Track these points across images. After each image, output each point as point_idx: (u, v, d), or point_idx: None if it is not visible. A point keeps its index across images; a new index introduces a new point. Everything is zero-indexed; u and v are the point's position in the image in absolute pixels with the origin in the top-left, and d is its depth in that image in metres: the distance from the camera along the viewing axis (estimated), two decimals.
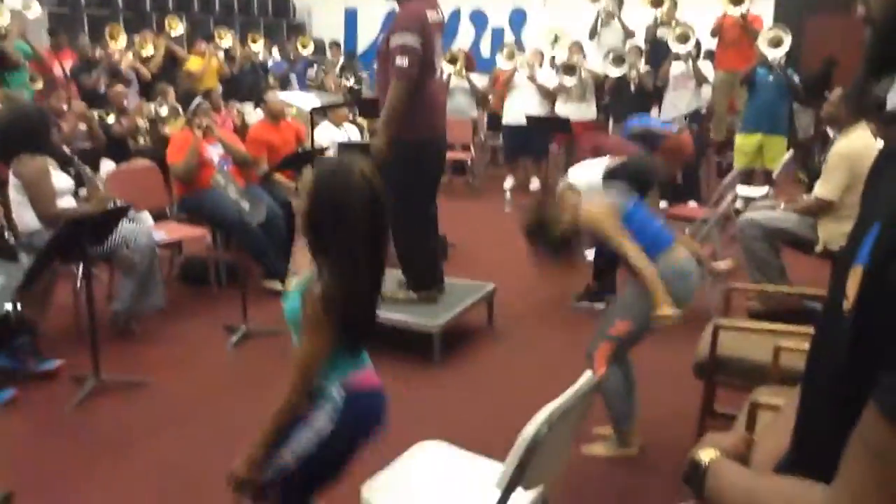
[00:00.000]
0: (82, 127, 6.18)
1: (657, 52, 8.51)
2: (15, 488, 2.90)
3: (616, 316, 3.07)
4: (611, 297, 4.75)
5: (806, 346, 1.10)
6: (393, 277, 4.57)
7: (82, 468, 3.13)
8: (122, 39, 8.58)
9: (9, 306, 3.85)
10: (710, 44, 8.45)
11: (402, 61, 4.03)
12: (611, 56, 7.95)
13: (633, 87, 8.03)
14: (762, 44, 6.87)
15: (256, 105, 6.93)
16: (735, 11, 7.67)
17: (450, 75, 8.65)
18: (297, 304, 1.99)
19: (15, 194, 4.17)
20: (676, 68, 7.85)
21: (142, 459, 3.20)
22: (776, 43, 6.86)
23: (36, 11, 7.79)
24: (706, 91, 8.04)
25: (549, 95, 8.54)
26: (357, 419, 2.02)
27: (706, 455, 1.12)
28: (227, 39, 9.61)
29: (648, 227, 3.05)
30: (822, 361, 0.98)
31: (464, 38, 12.08)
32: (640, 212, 3.11)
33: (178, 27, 9.34)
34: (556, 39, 8.83)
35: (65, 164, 4.48)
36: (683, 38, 7.66)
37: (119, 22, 10.89)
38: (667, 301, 2.88)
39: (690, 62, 7.74)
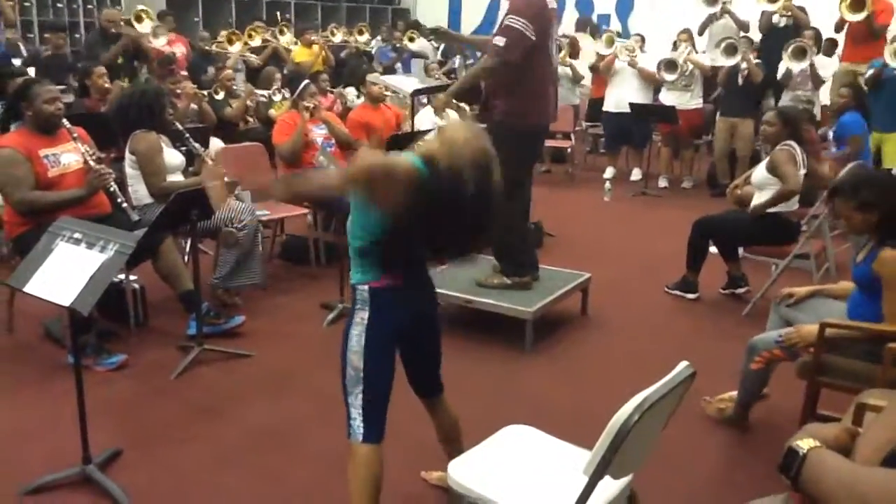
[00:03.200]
0: (194, 106, 6.42)
1: (771, 43, 8.10)
2: (122, 445, 3.08)
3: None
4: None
5: None
6: (488, 263, 4.57)
7: (183, 430, 3.28)
8: (237, 46, 8.89)
9: (121, 275, 4.06)
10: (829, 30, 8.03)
11: (500, 41, 4.01)
12: (723, 45, 7.58)
13: (740, 80, 7.63)
14: (887, 54, 6.33)
15: (358, 89, 7.02)
16: (856, 18, 7.24)
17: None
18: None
19: (129, 169, 4.39)
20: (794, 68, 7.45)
21: (237, 424, 3.33)
22: None
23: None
24: (822, 94, 7.63)
25: (653, 81, 8.31)
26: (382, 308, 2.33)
27: (805, 444, 1.08)
28: (337, 36, 9.82)
29: None
30: None
31: (569, 23, 11.91)
32: None
33: (287, 33, 9.64)
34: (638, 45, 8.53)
35: (177, 142, 4.67)
36: (800, 54, 7.22)
37: (231, 5, 11.28)
38: None
39: (808, 67, 7.33)
